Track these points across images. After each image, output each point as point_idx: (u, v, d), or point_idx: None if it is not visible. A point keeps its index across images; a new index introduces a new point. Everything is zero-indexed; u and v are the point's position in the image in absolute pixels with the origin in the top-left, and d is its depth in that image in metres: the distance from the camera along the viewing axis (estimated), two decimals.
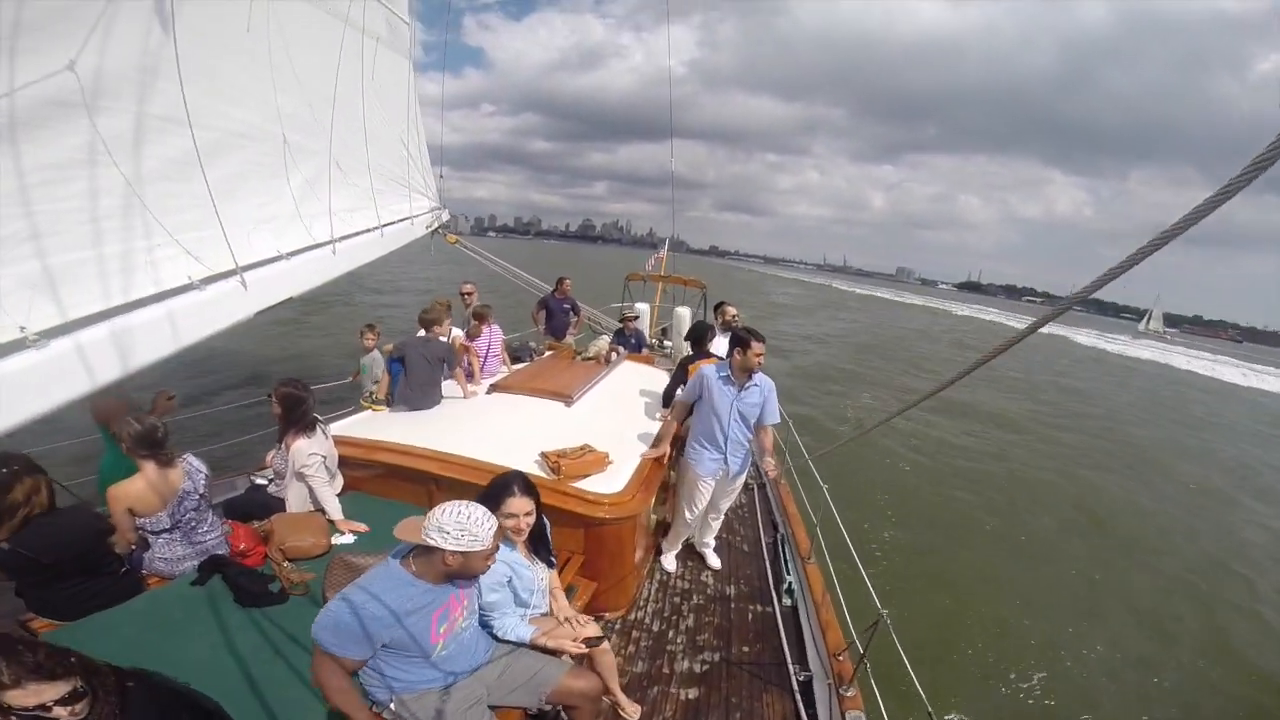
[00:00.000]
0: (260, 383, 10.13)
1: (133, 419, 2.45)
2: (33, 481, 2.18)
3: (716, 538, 4.19)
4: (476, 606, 2.03)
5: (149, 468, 2.44)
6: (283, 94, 3.15)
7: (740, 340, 3.48)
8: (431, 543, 1.70)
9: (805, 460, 5.01)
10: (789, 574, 3.91)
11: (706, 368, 3.68)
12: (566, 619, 2.31)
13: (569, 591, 2.94)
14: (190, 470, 2.59)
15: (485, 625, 2.11)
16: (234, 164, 2.75)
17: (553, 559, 2.38)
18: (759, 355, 3.41)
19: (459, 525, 1.70)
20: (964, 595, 6.88)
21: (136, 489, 2.42)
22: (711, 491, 3.73)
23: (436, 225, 5.64)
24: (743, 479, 3.81)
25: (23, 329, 1.62)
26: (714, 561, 4.09)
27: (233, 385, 10.62)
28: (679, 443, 3.97)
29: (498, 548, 1.79)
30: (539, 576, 2.27)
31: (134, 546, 2.56)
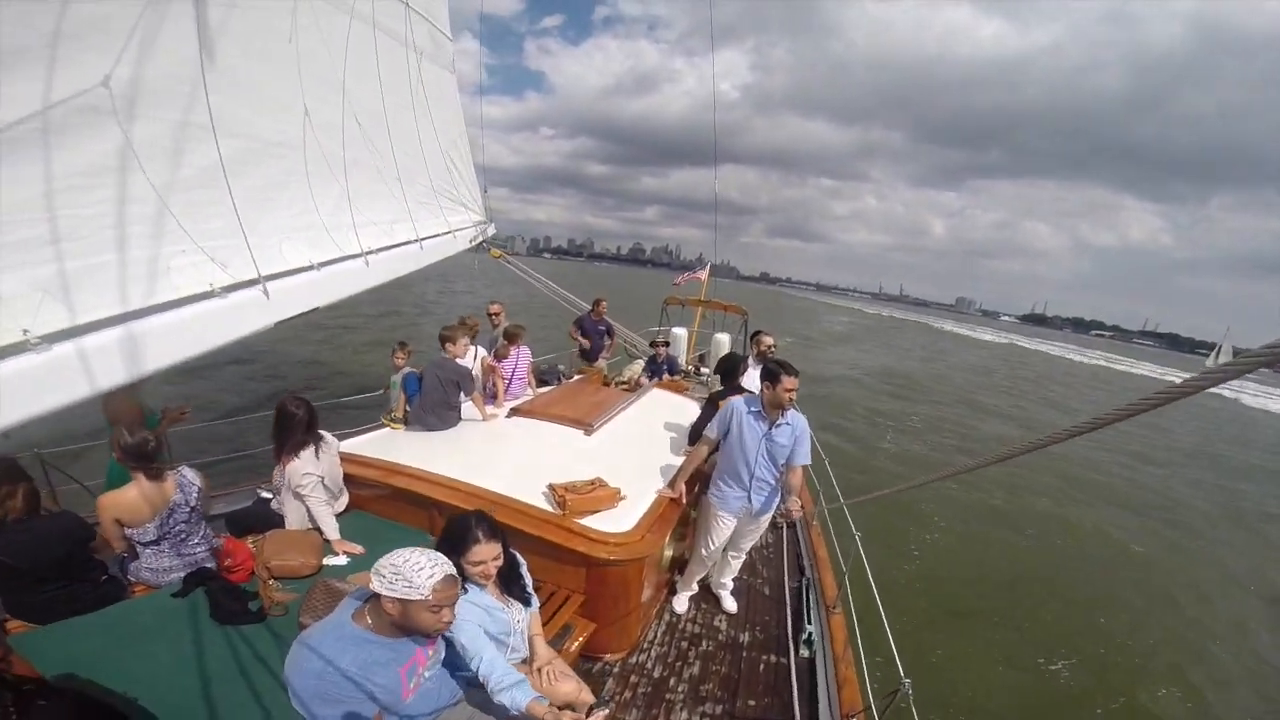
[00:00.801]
0: (300, 389, 10.42)
1: (125, 430, 2.44)
2: (8, 487, 2.19)
3: (736, 579, 3.94)
4: (442, 654, 1.88)
5: (140, 479, 2.42)
6: (324, 105, 3.19)
7: (770, 374, 3.28)
8: (373, 587, 1.59)
9: (840, 503, 4.67)
10: (810, 623, 3.62)
11: (736, 400, 3.48)
12: (539, 668, 2.13)
13: (564, 631, 2.80)
14: (183, 483, 2.58)
15: (493, 690, 1.84)
16: (270, 173, 2.76)
17: (528, 595, 2.20)
18: (789, 390, 3.19)
19: (394, 569, 1.57)
20: (1001, 672, 6.22)
21: (127, 499, 2.41)
22: (732, 530, 3.53)
23: (481, 239, 5.69)
24: (768, 518, 3.59)
25: (25, 331, 1.60)
26: (730, 605, 3.83)
27: (273, 390, 10.88)
28: (703, 478, 3.77)
29: (452, 600, 1.64)
30: (515, 618, 2.10)
31: (124, 554, 2.55)
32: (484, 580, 1.98)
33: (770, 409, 3.29)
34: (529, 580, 2.24)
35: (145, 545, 2.51)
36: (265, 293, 2.45)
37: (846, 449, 12.65)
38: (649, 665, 3.19)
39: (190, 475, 2.65)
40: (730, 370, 4.51)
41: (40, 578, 2.27)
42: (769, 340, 5.38)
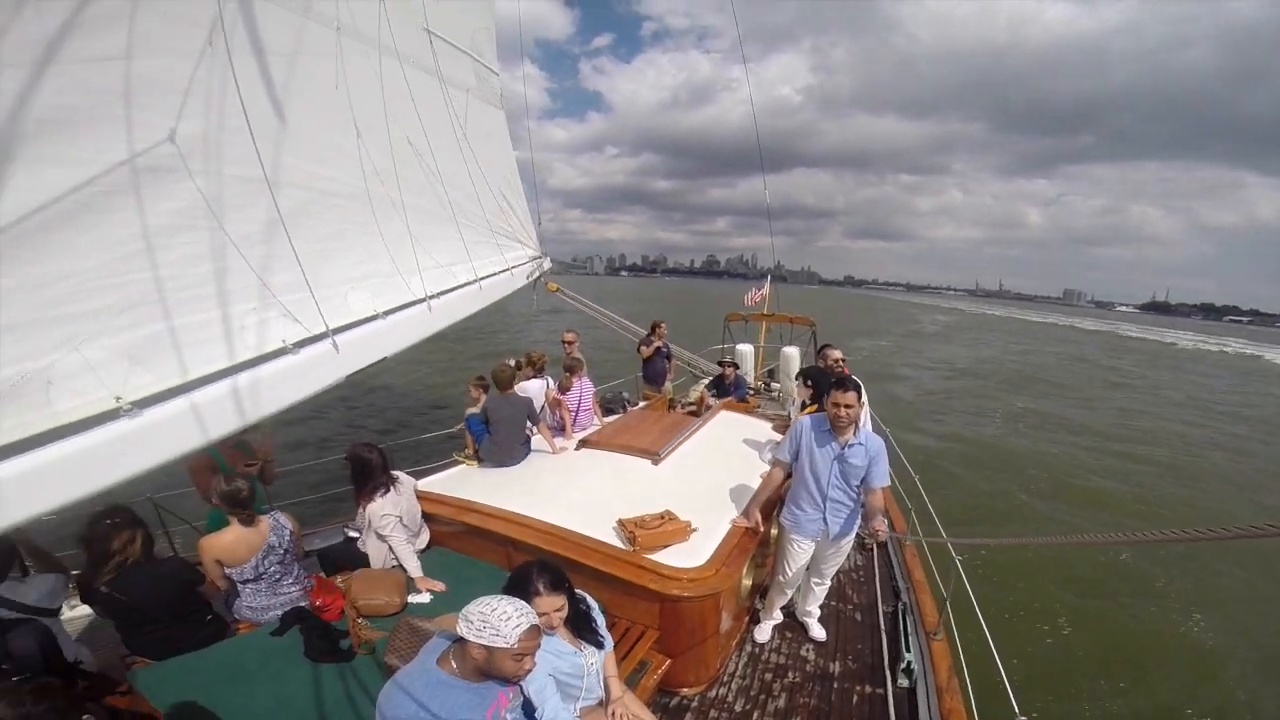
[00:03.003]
0: (398, 426, 10.93)
1: (222, 479, 2.66)
2: (129, 533, 2.43)
3: (824, 605, 3.75)
4: (521, 696, 1.90)
5: (234, 523, 2.63)
6: (374, 150, 3.23)
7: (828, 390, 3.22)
8: (459, 631, 1.63)
9: (934, 522, 4.36)
10: (908, 651, 3.38)
11: (804, 419, 3.38)
12: (612, 710, 2.13)
13: (641, 668, 2.74)
14: (275, 526, 2.77)
15: None
16: (329, 222, 2.83)
17: (601, 639, 2.20)
18: (837, 406, 3.08)
19: (482, 618, 1.61)
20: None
21: (224, 542, 2.63)
22: (810, 555, 3.38)
23: (538, 274, 5.82)
24: (848, 541, 3.41)
25: (118, 399, 1.74)
26: (817, 633, 3.64)
27: (372, 428, 11.48)
28: (782, 501, 3.62)
29: (534, 649, 1.67)
30: (588, 661, 2.10)
31: (227, 593, 2.77)
32: (548, 630, 1.99)
33: (835, 427, 3.17)
34: (601, 622, 2.23)
35: (244, 584, 2.73)
36: (335, 346, 2.52)
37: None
38: (730, 699, 3.06)
39: (282, 519, 2.86)
40: (820, 383, 4.38)
41: (154, 617, 2.49)
42: (836, 354, 5.11)
